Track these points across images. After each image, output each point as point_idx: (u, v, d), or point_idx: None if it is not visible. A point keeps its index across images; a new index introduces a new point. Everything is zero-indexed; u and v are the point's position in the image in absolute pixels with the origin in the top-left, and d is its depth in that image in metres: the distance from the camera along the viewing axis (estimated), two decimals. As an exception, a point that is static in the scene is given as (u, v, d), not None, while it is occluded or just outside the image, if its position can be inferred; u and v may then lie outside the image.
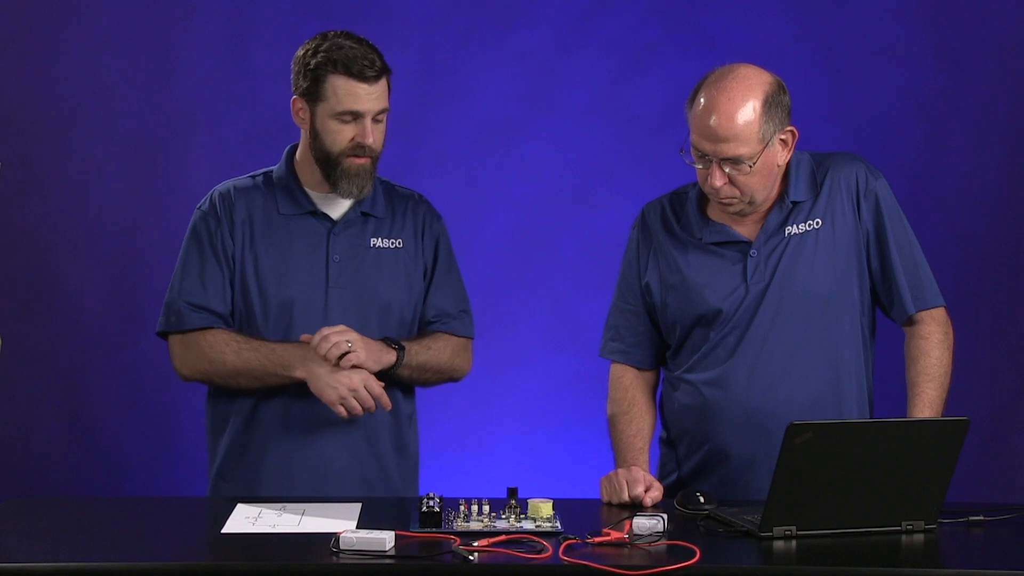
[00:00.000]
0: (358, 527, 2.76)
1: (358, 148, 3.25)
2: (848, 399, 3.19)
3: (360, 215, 3.34)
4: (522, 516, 2.79)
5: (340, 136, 3.24)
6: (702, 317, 3.19)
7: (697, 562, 2.55)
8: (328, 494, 3.17)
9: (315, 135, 3.26)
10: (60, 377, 4.70)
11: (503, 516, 2.79)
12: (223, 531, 2.78)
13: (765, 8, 4.69)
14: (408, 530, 2.72)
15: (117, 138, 4.69)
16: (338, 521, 2.82)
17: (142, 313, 4.54)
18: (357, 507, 2.96)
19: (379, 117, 3.26)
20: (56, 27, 4.65)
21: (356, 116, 3.23)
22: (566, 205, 4.77)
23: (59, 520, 2.92)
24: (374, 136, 3.25)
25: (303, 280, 3.28)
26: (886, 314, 3.25)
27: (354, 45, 3.25)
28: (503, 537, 2.67)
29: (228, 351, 3.24)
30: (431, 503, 2.76)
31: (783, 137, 3.12)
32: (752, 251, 3.18)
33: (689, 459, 3.24)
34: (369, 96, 3.23)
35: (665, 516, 2.73)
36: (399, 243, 3.36)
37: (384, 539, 2.60)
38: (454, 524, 2.75)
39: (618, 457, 3.21)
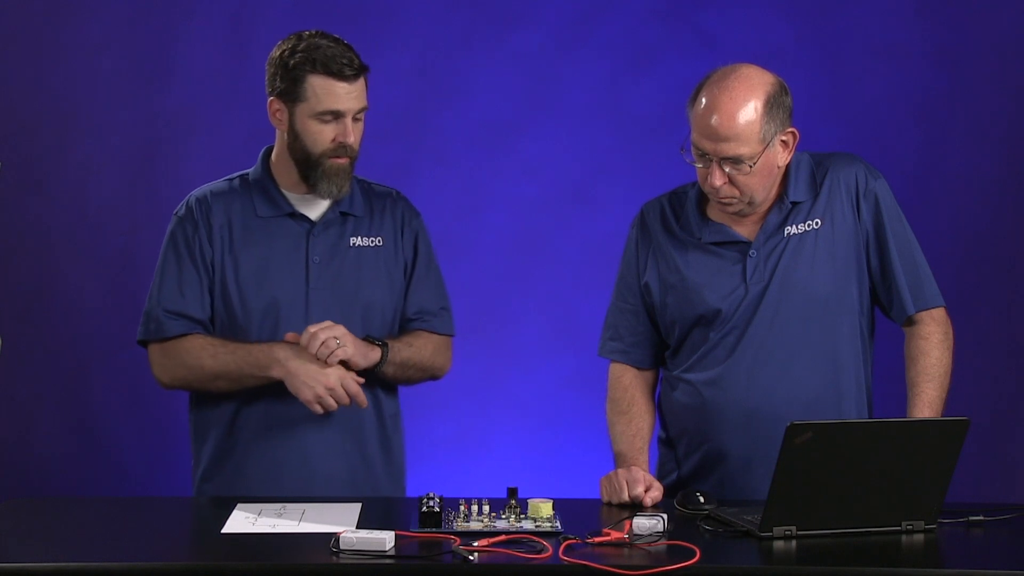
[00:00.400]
0: (358, 527, 2.76)
1: (339, 148, 3.23)
2: (847, 399, 3.19)
3: (339, 215, 3.32)
4: (522, 516, 2.79)
5: (321, 136, 3.23)
6: (701, 317, 3.19)
7: (697, 562, 2.55)
8: (315, 496, 3.16)
9: (295, 136, 3.24)
10: (60, 377, 4.71)
11: (503, 516, 2.79)
12: (223, 531, 2.78)
13: (765, 8, 4.69)
14: (408, 530, 2.72)
15: (117, 138, 4.69)
16: (338, 521, 2.82)
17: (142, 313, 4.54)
18: (357, 507, 2.96)
19: (358, 116, 3.25)
20: (56, 27, 4.65)
21: (337, 116, 3.22)
22: (566, 205, 4.77)
23: (59, 520, 2.92)
24: (355, 135, 3.23)
25: (284, 282, 3.26)
26: (886, 314, 3.25)
27: (331, 44, 3.24)
28: (503, 537, 2.68)
29: (205, 355, 3.23)
30: (431, 503, 2.76)
31: (784, 138, 3.12)
32: (751, 251, 3.18)
33: (688, 459, 3.24)
34: (349, 95, 3.22)
35: (665, 516, 2.73)
36: (379, 241, 3.35)
37: (384, 539, 2.60)
38: (454, 524, 2.75)
39: (618, 457, 3.21)
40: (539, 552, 2.61)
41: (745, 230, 3.20)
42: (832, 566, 2.59)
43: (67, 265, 4.69)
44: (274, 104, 3.27)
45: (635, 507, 2.97)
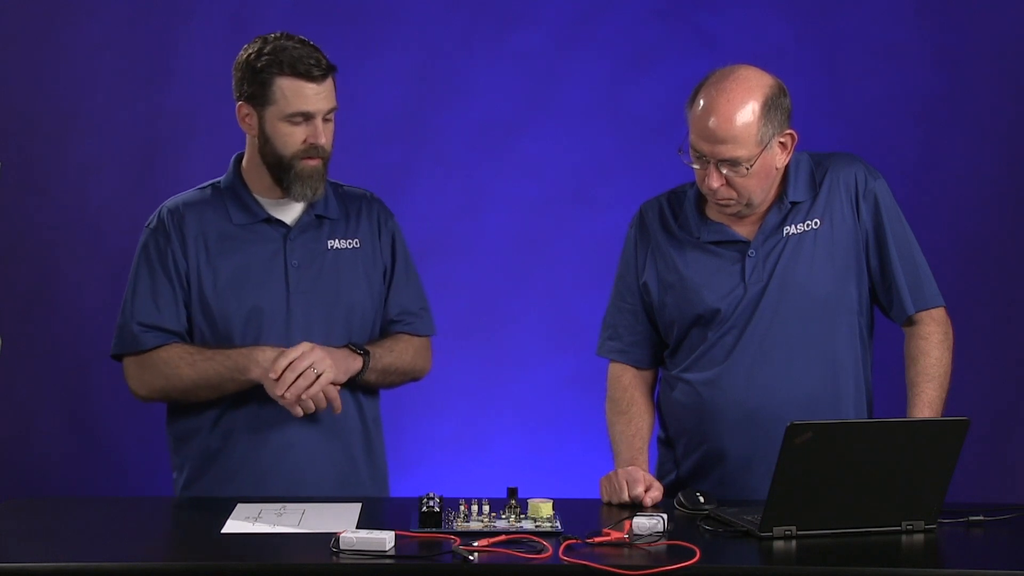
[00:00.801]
0: (358, 527, 2.76)
1: (311, 149, 3.20)
2: (845, 399, 3.19)
3: (314, 218, 3.30)
4: (522, 516, 2.79)
5: (292, 139, 3.20)
6: (700, 317, 3.19)
7: (697, 562, 2.55)
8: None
9: (265, 139, 3.22)
10: (60, 377, 4.71)
11: (503, 516, 2.79)
12: (223, 531, 2.78)
13: (765, 8, 4.69)
14: (408, 530, 2.72)
15: (117, 138, 4.69)
16: (338, 521, 2.82)
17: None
18: (357, 507, 2.96)
19: (328, 116, 3.22)
20: (56, 27, 4.65)
21: (307, 117, 3.19)
22: (566, 205, 4.77)
23: (59, 520, 2.92)
24: (326, 136, 3.21)
25: (264, 289, 3.24)
26: (886, 314, 3.25)
27: (297, 45, 3.20)
28: (503, 537, 2.67)
29: (183, 364, 3.20)
30: (431, 503, 2.76)
31: (782, 140, 3.12)
32: (750, 251, 3.18)
33: (687, 459, 3.24)
34: (318, 96, 3.19)
35: (665, 516, 2.73)
36: (356, 243, 3.33)
37: (384, 539, 2.60)
38: (454, 524, 2.75)
39: (617, 457, 3.21)
40: (539, 552, 2.61)
41: (744, 230, 3.20)
42: (832, 566, 2.59)
43: (67, 265, 4.69)
44: (243, 108, 3.24)
45: (635, 507, 2.97)
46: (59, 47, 4.65)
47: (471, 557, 2.57)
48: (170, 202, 3.32)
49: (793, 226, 3.18)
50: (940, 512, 2.78)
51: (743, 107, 3.06)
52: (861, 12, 4.66)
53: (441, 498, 2.78)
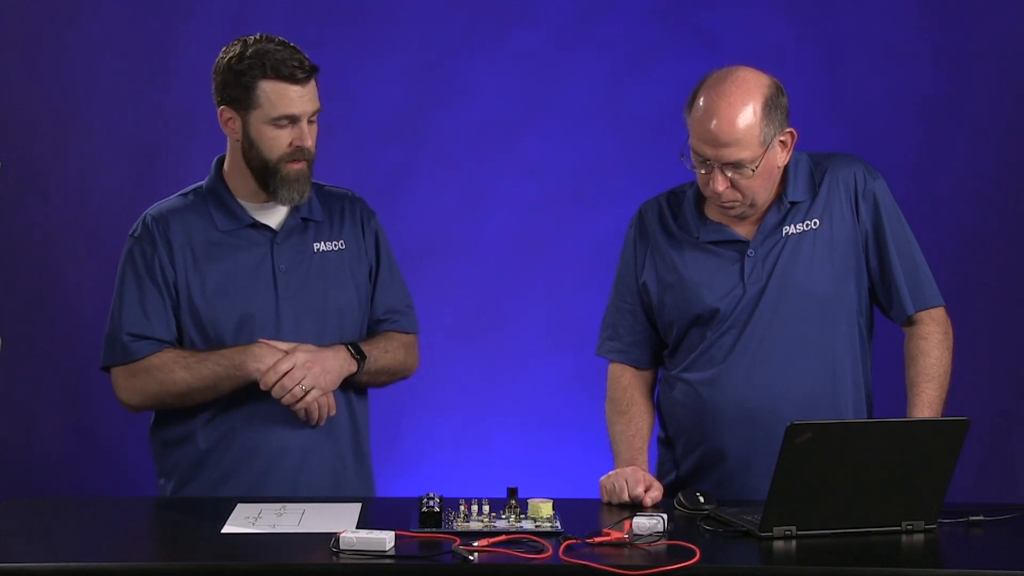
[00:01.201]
0: (358, 527, 2.76)
1: (296, 152, 3.18)
2: (844, 399, 3.19)
3: (300, 221, 3.28)
4: (522, 516, 2.78)
5: (278, 142, 3.17)
6: (699, 317, 3.19)
7: (697, 562, 2.55)
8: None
9: (250, 144, 3.18)
10: (60, 377, 4.71)
11: (503, 516, 2.79)
12: (223, 531, 2.78)
13: (765, 8, 4.69)
14: (408, 530, 2.72)
15: (117, 138, 4.69)
16: (338, 521, 2.82)
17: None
18: (357, 507, 2.96)
19: (312, 118, 3.20)
20: (56, 27, 4.65)
21: (293, 120, 3.16)
22: (566, 205, 4.77)
23: (59, 520, 2.92)
24: (311, 138, 3.19)
25: (253, 294, 3.22)
26: (885, 314, 3.25)
27: (279, 48, 3.17)
28: (503, 537, 2.67)
29: (177, 367, 3.17)
30: (431, 503, 2.76)
31: (782, 138, 3.12)
32: (750, 251, 3.18)
33: (687, 459, 3.24)
34: (303, 98, 3.16)
35: (665, 516, 2.73)
36: (341, 244, 3.31)
37: (384, 539, 2.60)
38: (454, 524, 2.75)
39: (617, 457, 3.21)
40: (539, 552, 2.61)
41: (743, 230, 3.20)
42: (832, 566, 2.59)
43: (67, 265, 4.69)
44: (225, 113, 3.20)
45: (635, 507, 2.97)
46: (59, 47, 4.65)
47: (471, 557, 2.57)
48: (153, 210, 3.29)
49: (792, 226, 3.18)
50: (940, 512, 2.78)
51: (744, 109, 3.05)
52: (861, 12, 4.66)
53: (441, 498, 2.78)
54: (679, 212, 3.27)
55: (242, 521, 2.84)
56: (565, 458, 4.67)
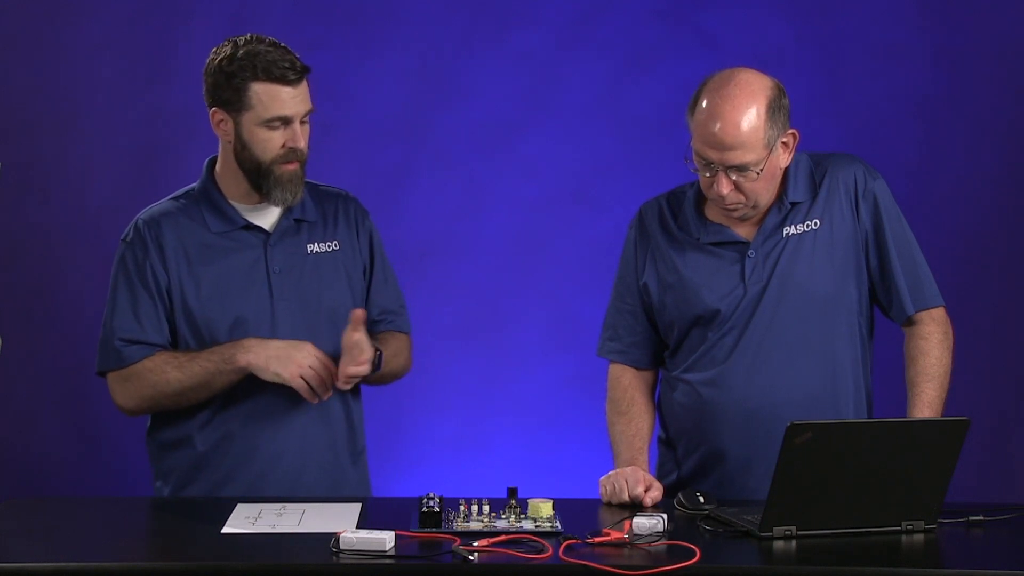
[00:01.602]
0: (358, 527, 2.76)
1: (290, 153, 3.16)
2: (845, 399, 3.19)
3: (293, 222, 3.27)
4: (522, 516, 2.79)
5: (271, 144, 3.16)
6: (700, 317, 3.19)
7: (697, 562, 2.55)
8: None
9: (243, 145, 3.17)
10: (60, 377, 4.71)
11: (503, 516, 2.79)
12: (223, 531, 2.78)
13: (765, 8, 4.69)
14: (408, 530, 2.72)
15: (117, 138, 4.69)
16: (338, 521, 2.82)
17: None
18: (357, 507, 2.96)
19: (305, 119, 3.19)
20: (56, 27, 4.65)
21: (285, 121, 3.15)
22: (566, 205, 4.77)
23: (59, 520, 2.92)
24: (303, 138, 3.18)
25: (248, 297, 3.21)
26: (885, 314, 3.25)
27: (270, 49, 3.15)
28: (503, 537, 2.67)
29: (170, 368, 3.17)
30: (431, 503, 2.76)
31: (784, 140, 3.12)
32: (750, 251, 3.18)
33: (688, 459, 3.24)
34: (295, 99, 3.15)
35: (665, 516, 2.73)
36: (335, 245, 3.30)
37: (384, 539, 2.60)
38: (454, 524, 2.75)
39: (618, 457, 3.21)
40: (539, 552, 2.61)
41: (744, 230, 3.20)
42: (832, 566, 2.59)
43: (67, 265, 4.69)
44: (217, 114, 3.19)
45: (635, 507, 2.97)
46: (59, 47, 4.65)
47: (471, 557, 2.57)
48: (145, 213, 3.28)
49: (793, 226, 3.18)
50: (940, 512, 2.78)
51: (748, 112, 3.05)
52: (861, 12, 4.66)
53: (441, 498, 2.78)
54: (679, 213, 3.27)
55: (242, 521, 2.84)
56: (565, 458, 4.67)
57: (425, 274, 4.64)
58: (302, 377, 3.13)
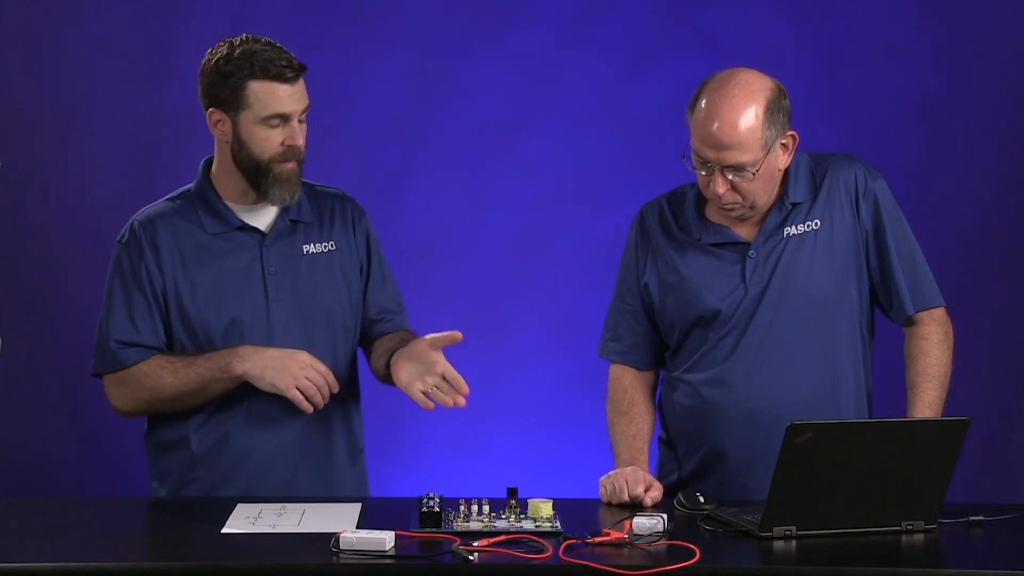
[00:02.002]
0: (358, 527, 2.76)
1: (288, 151, 3.16)
2: (845, 399, 3.19)
3: (289, 223, 3.26)
4: (522, 516, 2.79)
5: (269, 142, 3.16)
6: (701, 318, 3.19)
7: (697, 562, 2.55)
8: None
9: (240, 144, 3.17)
10: (60, 377, 4.71)
11: (503, 516, 2.79)
12: (223, 531, 2.78)
13: (765, 8, 4.69)
14: (408, 530, 2.72)
15: (117, 138, 4.69)
16: (338, 521, 2.82)
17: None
18: (357, 507, 2.96)
19: (302, 117, 3.19)
20: (56, 27, 4.65)
21: (284, 119, 3.15)
22: (566, 205, 4.77)
23: (59, 520, 2.92)
24: (301, 136, 3.17)
25: (244, 298, 3.20)
26: (886, 314, 3.25)
27: (266, 47, 3.15)
28: (503, 537, 2.67)
29: (165, 373, 3.16)
30: (431, 503, 2.76)
31: (784, 141, 3.12)
32: (751, 252, 3.18)
33: (688, 459, 3.24)
34: (292, 96, 3.15)
35: (665, 516, 2.73)
36: (332, 246, 3.29)
37: (384, 539, 2.60)
38: (454, 524, 2.75)
39: (618, 457, 3.21)
40: (539, 552, 2.61)
41: (744, 231, 3.20)
42: (832, 566, 2.59)
43: (67, 265, 4.69)
44: (214, 114, 3.18)
45: (635, 507, 2.97)
46: (59, 47, 4.65)
47: (471, 557, 2.57)
48: (140, 215, 3.28)
49: (793, 227, 3.18)
50: (940, 512, 2.78)
51: (746, 112, 3.05)
52: (861, 12, 4.67)
53: (441, 498, 2.78)
54: (680, 214, 3.27)
55: (242, 521, 2.84)
56: (565, 458, 4.67)
57: (425, 274, 4.64)
58: (298, 388, 3.13)
